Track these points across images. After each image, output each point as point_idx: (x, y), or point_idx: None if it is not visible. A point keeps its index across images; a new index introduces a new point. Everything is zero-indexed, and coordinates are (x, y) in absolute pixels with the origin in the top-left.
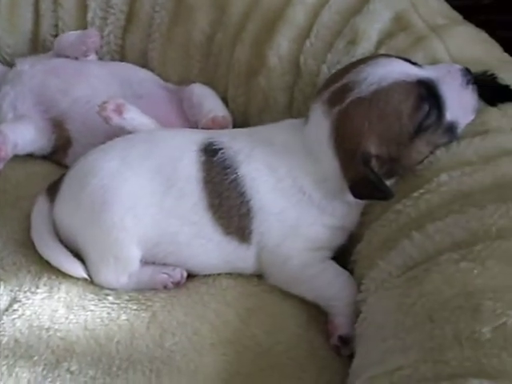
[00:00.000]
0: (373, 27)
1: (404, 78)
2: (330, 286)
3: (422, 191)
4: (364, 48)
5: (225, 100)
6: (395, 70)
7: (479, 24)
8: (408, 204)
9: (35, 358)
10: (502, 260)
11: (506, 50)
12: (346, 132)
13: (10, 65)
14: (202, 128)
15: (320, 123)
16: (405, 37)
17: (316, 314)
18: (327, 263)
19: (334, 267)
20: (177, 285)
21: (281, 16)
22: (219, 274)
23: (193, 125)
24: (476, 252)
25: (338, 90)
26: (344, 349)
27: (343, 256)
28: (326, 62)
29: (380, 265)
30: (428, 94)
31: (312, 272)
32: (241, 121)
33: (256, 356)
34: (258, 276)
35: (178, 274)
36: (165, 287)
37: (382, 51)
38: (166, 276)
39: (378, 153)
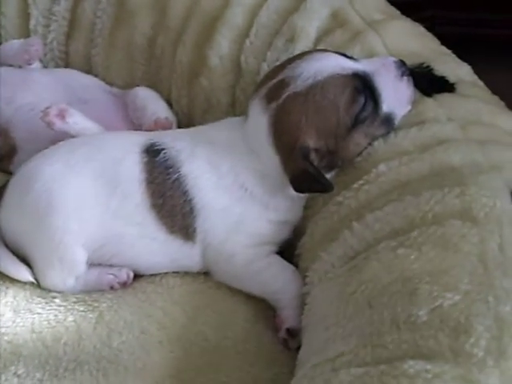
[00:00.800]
0: (311, 25)
1: (339, 71)
2: (275, 280)
3: (361, 182)
4: (303, 45)
5: (169, 102)
6: (330, 64)
7: (423, 19)
8: (348, 195)
9: None
10: (438, 245)
11: (444, 46)
12: (284, 127)
13: None
14: (146, 130)
15: (258, 119)
16: (342, 33)
17: (263, 308)
18: (272, 258)
19: (279, 262)
20: (123, 285)
21: (220, 17)
22: (166, 273)
23: (138, 128)
24: (413, 238)
25: (274, 86)
26: (292, 341)
27: (288, 250)
28: (266, 61)
29: (322, 257)
30: (363, 86)
31: (257, 267)
32: (185, 122)
33: (204, 352)
34: (205, 273)
35: (125, 275)
36: (111, 288)
37: (320, 48)
38: (112, 277)
39: (317, 146)
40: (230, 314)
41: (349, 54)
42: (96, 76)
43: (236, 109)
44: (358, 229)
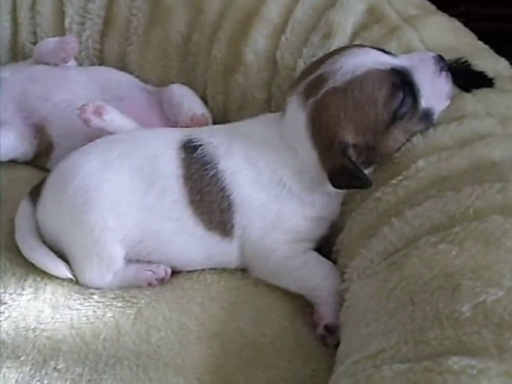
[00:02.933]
0: (347, 20)
1: (377, 66)
2: (313, 276)
3: (400, 178)
4: (339, 41)
5: (204, 98)
6: (369, 59)
7: (456, 15)
8: (387, 191)
9: (22, 358)
10: (479, 240)
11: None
12: (323, 122)
13: None
14: (182, 127)
15: (297, 115)
16: (379, 28)
17: (301, 305)
18: (309, 254)
19: (317, 258)
20: (161, 281)
21: (255, 13)
22: (203, 270)
23: (173, 125)
24: (454, 234)
25: (312, 82)
26: (330, 338)
27: (326, 246)
28: (302, 57)
29: (362, 253)
30: (402, 81)
31: (295, 264)
32: (221, 118)
33: (242, 348)
34: (242, 270)
35: (162, 271)
36: (149, 284)
37: (356, 43)
38: (150, 273)
39: (355, 142)
40: (268, 310)
41: (386, 50)
42: (131, 73)
43: (272, 105)
44: (397, 225)
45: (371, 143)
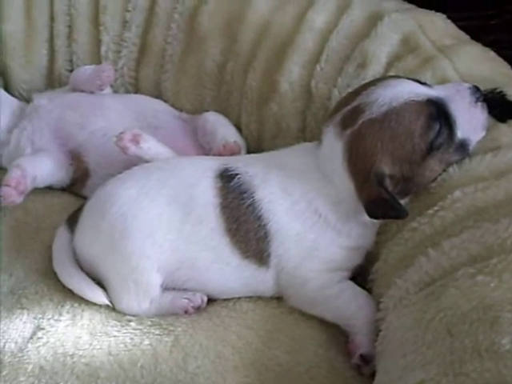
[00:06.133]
0: (381, 50)
1: (414, 97)
2: (348, 305)
3: (436, 208)
4: (374, 71)
5: (238, 127)
6: (405, 91)
7: (486, 44)
8: (423, 222)
9: None
10: None
11: None
12: (360, 153)
13: (27, 100)
14: (215, 155)
15: (333, 145)
16: (413, 58)
17: (336, 333)
18: (345, 283)
19: (352, 287)
20: (197, 309)
21: (290, 43)
22: (239, 298)
23: (207, 152)
24: (492, 265)
25: (349, 113)
26: (365, 368)
27: (362, 276)
28: (337, 86)
29: (397, 283)
30: (438, 112)
31: (330, 293)
32: (255, 147)
33: (278, 377)
34: (277, 298)
35: (199, 299)
36: (186, 312)
37: (391, 73)
38: (186, 301)
39: (392, 172)
40: (303, 339)
41: (421, 80)
42: (165, 101)
43: (306, 134)
44: (434, 255)
45: (407, 174)
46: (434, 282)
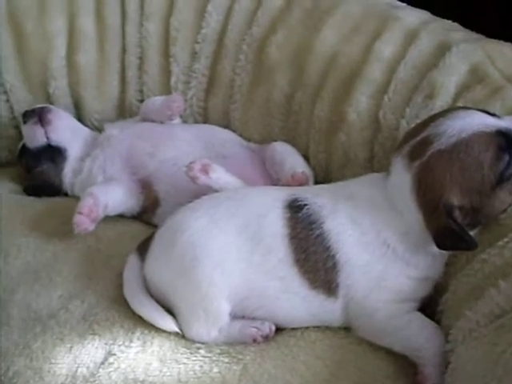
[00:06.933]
0: (450, 80)
1: (483, 128)
2: (417, 336)
3: (506, 240)
4: (442, 101)
5: (306, 156)
6: (474, 122)
7: None
8: (493, 253)
9: None
10: None
11: None
12: (428, 184)
13: (99, 130)
14: (283, 185)
15: (402, 177)
16: (482, 88)
17: (404, 365)
18: (413, 314)
19: (421, 318)
20: (266, 338)
21: (358, 73)
22: (307, 327)
23: (275, 182)
24: None
25: (418, 144)
26: None
27: (430, 307)
28: (405, 117)
29: (467, 314)
30: (508, 143)
31: (399, 323)
32: (322, 176)
33: None
34: (345, 328)
35: (267, 328)
36: (254, 341)
37: (459, 104)
38: (255, 330)
39: (461, 204)
40: (371, 370)
41: (490, 111)
42: (234, 131)
43: (374, 164)
44: (504, 287)
45: (477, 205)
46: (505, 314)
